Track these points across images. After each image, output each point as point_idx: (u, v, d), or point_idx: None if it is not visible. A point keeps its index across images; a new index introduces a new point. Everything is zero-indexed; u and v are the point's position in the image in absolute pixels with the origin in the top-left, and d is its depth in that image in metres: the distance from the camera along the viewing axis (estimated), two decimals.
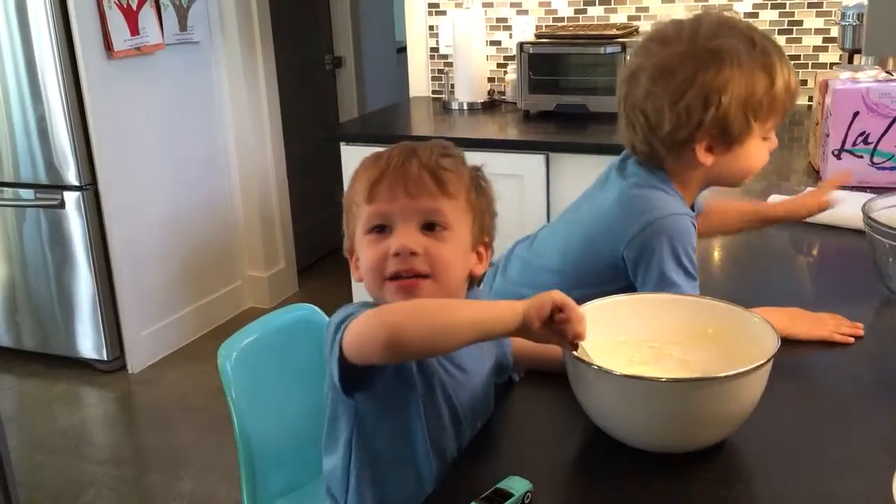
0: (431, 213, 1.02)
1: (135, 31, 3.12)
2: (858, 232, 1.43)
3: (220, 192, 3.72)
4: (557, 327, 0.93)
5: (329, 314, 1.49)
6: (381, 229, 1.03)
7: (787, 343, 0.96)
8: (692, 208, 1.34)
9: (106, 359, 3.29)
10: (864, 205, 1.37)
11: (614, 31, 2.80)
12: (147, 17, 3.17)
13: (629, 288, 1.25)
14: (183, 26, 3.36)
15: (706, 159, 1.25)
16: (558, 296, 0.92)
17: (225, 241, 3.77)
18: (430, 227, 1.02)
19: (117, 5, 3.04)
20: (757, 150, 1.28)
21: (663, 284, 1.21)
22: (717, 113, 1.20)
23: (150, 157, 3.34)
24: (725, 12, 1.30)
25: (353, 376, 0.96)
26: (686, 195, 1.31)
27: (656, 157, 1.28)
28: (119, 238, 3.22)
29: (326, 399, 1.08)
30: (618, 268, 1.26)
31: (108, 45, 3.04)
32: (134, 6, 3.11)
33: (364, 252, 1.04)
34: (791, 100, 1.26)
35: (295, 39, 4.07)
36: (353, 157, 2.83)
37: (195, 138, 3.56)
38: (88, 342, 3.29)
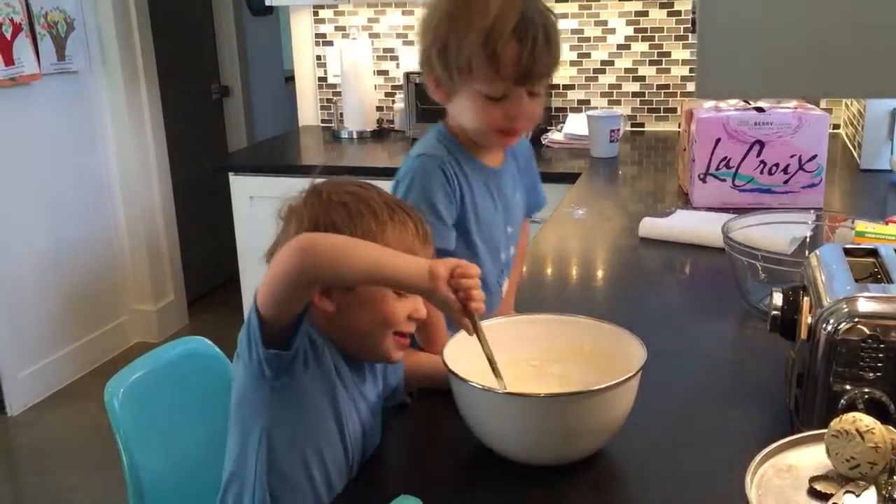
0: None
1: (9, 61, 3.01)
2: (722, 250, 1.54)
3: (104, 225, 3.61)
4: (459, 294, 0.95)
5: (222, 345, 1.50)
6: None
7: (656, 356, 1.04)
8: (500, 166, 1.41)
9: None
10: (724, 225, 1.48)
11: None
12: (22, 46, 3.07)
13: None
14: (61, 55, 3.27)
15: (435, 95, 1.32)
16: (459, 260, 0.97)
17: (109, 275, 3.66)
18: None
19: None
20: (472, 104, 1.27)
21: None
22: (425, 53, 1.29)
23: (27, 190, 3.22)
24: None
25: (274, 339, 0.97)
26: (468, 144, 1.36)
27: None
28: None
29: (232, 415, 1.07)
30: None
31: None
32: (8, 35, 3.01)
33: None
34: (487, 55, 1.21)
35: (180, 68, 4.01)
36: (242, 187, 2.82)
37: (76, 170, 3.45)
38: None
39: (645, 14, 2.99)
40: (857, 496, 0.77)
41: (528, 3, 1.22)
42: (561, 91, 3.14)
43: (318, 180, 1.10)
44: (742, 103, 2.09)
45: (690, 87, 3.01)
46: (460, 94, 1.28)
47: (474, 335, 1.00)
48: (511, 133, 1.31)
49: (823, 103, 2.55)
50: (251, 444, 1.04)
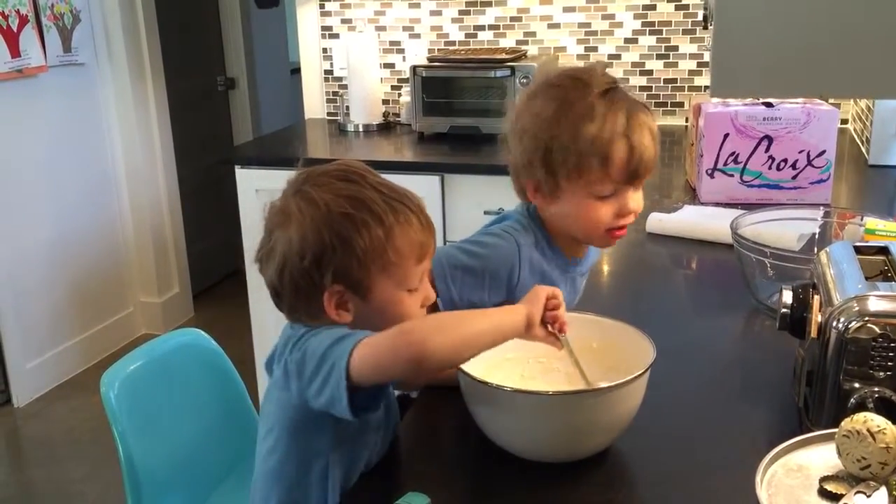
0: None
1: (16, 52, 3.01)
2: (730, 246, 1.54)
3: (110, 218, 3.62)
4: (549, 318, 1.04)
5: (227, 338, 1.51)
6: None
7: (663, 352, 1.03)
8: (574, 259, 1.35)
9: None
10: (732, 222, 1.47)
11: (504, 55, 2.89)
12: (28, 38, 3.07)
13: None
14: (67, 48, 3.27)
15: (534, 199, 1.28)
16: (546, 287, 1.05)
17: (115, 267, 3.67)
18: None
19: None
20: (579, 206, 1.24)
21: None
22: (524, 157, 1.25)
23: (33, 182, 3.22)
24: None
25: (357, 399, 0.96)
26: (559, 242, 1.32)
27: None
28: (0, 267, 3.09)
29: (277, 437, 1.06)
30: None
31: None
32: (14, 27, 3.00)
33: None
34: (600, 158, 1.19)
35: (185, 60, 4.00)
36: (248, 179, 2.81)
37: (81, 162, 3.45)
38: None
39: (653, 8, 2.97)
40: (868, 496, 0.76)
41: (630, 104, 1.21)
42: None
43: (300, 175, 1.05)
44: (750, 98, 2.08)
45: (698, 81, 3.00)
46: (564, 196, 1.24)
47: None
48: (619, 230, 1.27)
49: (831, 98, 2.53)
50: (314, 472, 1.04)
